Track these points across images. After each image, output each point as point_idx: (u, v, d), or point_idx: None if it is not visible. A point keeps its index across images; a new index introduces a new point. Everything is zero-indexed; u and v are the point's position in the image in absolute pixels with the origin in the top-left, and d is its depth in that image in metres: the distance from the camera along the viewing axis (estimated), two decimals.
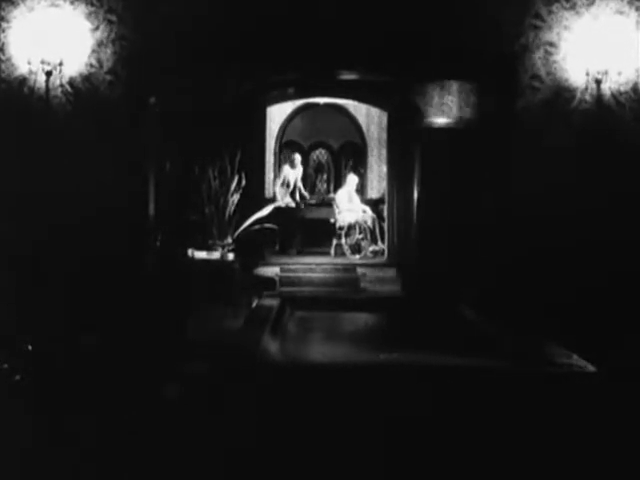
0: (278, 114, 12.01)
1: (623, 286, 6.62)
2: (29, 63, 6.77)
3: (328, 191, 12.98)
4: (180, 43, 6.95)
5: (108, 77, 6.92)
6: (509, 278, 6.81)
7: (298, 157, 11.48)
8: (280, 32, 6.94)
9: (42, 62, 6.74)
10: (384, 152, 11.30)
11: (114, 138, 6.91)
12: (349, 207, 11.07)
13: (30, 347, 5.24)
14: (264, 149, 10.87)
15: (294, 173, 11.30)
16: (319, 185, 13.25)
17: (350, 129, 12.69)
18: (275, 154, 12.10)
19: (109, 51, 6.93)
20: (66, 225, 6.79)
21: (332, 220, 11.11)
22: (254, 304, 7.57)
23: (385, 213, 10.59)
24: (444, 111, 8.86)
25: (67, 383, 4.64)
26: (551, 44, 6.93)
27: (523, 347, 5.41)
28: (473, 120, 8.61)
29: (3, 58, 6.83)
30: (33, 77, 6.80)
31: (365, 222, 10.94)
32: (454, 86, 8.68)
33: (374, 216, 11.08)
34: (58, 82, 6.82)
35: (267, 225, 9.14)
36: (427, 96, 8.82)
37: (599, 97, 6.84)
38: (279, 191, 11.05)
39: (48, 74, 6.76)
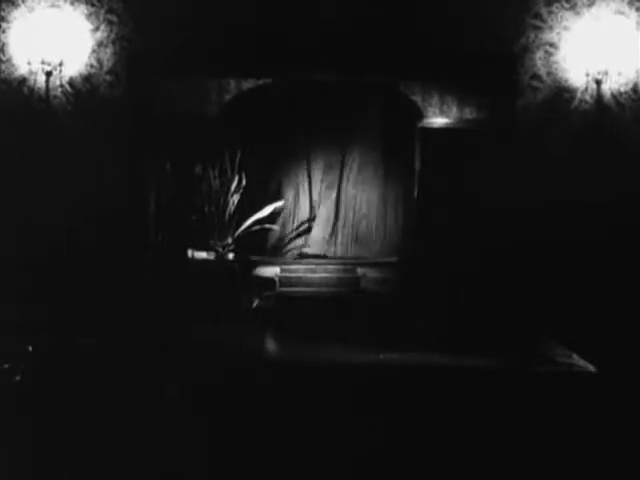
0: None
1: (623, 286, 6.62)
2: (29, 63, 6.76)
3: None
4: (180, 43, 6.94)
5: (108, 77, 6.92)
6: (509, 277, 6.81)
7: None
8: (280, 32, 6.94)
9: (42, 62, 6.73)
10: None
11: (114, 138, 6.90)
12: None
13: (30, 347, 5.24)
14: None
15: None
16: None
17: None
18: None
19: (109, 51, 6.93)
20: (66, 226, 6.79)
21: None
22: (254, 304, 7.57)
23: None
24: (444, 111, 8.87)
25: (67, 383, 4.64)
26: (551, 44, 6.93)
27: (523, 347, 5.41)
28: (473, 120, 8.62)
29: (3, 58, 6.83)
30: (33, 77, 6.80)
31: None
32: (454, 86, 8.68)
33: None
34: (58, 82, 6.82)
35: (267, 226, 9.15)
36: (427, 96, 8.83)
37: (599, 97, 6.84)
38: None
39: (48, 74, 6.76)
